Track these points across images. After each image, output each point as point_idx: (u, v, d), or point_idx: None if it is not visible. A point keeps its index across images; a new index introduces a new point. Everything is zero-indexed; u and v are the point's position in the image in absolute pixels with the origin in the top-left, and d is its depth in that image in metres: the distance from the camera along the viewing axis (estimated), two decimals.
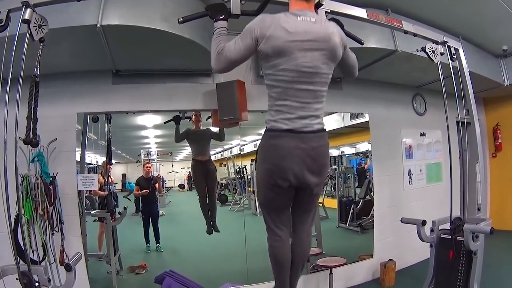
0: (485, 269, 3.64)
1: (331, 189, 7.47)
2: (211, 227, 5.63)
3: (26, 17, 2.26)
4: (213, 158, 6.15)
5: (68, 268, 2.61)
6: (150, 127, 6.48)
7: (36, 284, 2.48)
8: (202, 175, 5.81)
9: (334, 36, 2.32)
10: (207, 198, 5.80)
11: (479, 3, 4.81)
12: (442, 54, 3.66)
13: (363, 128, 6.19)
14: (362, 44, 3.17)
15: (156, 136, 6.92)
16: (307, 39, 2.22)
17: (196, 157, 5.89)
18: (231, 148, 6.97)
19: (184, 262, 5.73)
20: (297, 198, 2.48)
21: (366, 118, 6.13)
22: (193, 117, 5.86)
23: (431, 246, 3.83)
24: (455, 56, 3.77)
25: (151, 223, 6.01)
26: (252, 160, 6.83)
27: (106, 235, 5.07)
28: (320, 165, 2.37)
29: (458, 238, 3.55)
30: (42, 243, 3.78)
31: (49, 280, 2.64)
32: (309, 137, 2.29)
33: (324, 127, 2.42)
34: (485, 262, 3.58)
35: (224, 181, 7.80)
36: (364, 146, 6.94)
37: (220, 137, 5.82)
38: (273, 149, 2.30)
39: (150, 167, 6.32)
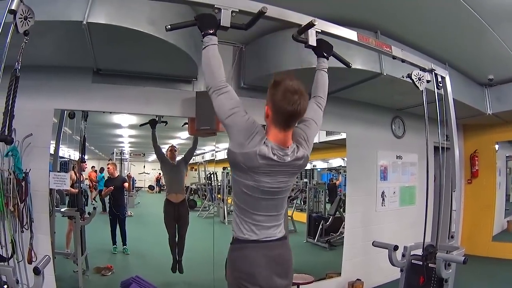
0: None
1: (301, 202, 7.64)
2: (176, 265, 5.67)
3: (13, 7, 2.17)
4: None
5: (37, 271, 2.59)
6: (125, 126, 6.56)
7: (5, 286, 2.49)
8: (174, 219, 5.86)
9: (304, 160, 2.42)
10: (176, 238, 5.83)
11: (468, 31, 4.92)
12: (428, 81, 3.70)
13: (337, 145, 6.37)
14: (350, 67, 3.25)
15: (130, 136, 7.03)
16: (275, 170, 2.29)
17: (169, 194, 5.96)
18: (204, 153, 7.12)
19: (150, 267, 5.88)
20: None
21: (342, 135, 6.30)
22: (168, 152, 6.05)
23: (401, 270, 3.87)
24: (441, 84, 3.84)
25: (118, 224, 6.11)
26: (224, 168, 6.99)
27: (74, 234, 5.09)
28: (286, 269, 2.48)
29: (430, 264, 3.57)
30: (11, 240, 3.84)
31: (17, 282, 2.60)
32: (273, 245, 2.41)
33: (285, 234, 2.54)
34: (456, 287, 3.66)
35: (194, 186, 7.91)
36: (336, 162, 7.12)
37: (193, 148, 6.01)
38: (242, 259, 2.39)
39: (110, 167, 6.37)
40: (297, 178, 7.88)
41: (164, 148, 6.10)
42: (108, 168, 6.38)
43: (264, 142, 2.24)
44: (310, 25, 2.73)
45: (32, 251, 4.05)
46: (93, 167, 5.96)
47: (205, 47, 2.37)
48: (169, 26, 2.47)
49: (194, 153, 6.33)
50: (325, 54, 2.93)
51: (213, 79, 2.31)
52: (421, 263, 3.67)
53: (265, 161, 2.22)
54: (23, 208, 3.98)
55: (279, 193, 2.41)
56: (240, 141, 2.23)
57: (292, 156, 2.32)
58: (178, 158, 6.09)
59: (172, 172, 6.07)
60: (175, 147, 6.10)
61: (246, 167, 2.24)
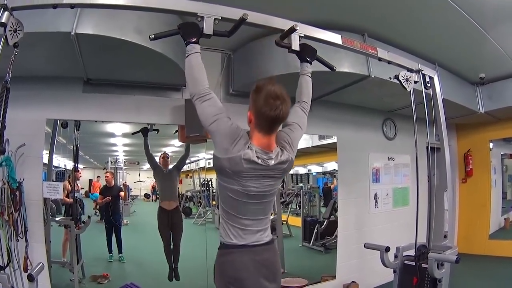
0: None
1: (296, 207, 7.69)
2: (172, 273, 5.70)
3: (3, 20, 2.21)
4: None
5: (31, 278, 2.62)
6: (119, 135, 6.60)
7: None
8: (168, 226, 5.87)
9: (288, 164, 2.47)
10: (171, 245, 5.85)
11: (456, 31, 4.93)
12: (416, 82, 3.69)
13: (331, 149, 6.39)
14: (334, 70, 3.28)
15: (124, 145, 7.06)
16: (260, 174, 2.34)
17: (162, 202, 5.99)
18: (198, 160, 7.16)
19: (146, 274, 5.89)
20: None
21: (334, 139, 6.34)
22: (161, 159, 6.09)
23: (394, 271, 3.86)
24: (429, 85, 3.82)
25: (114, 233, 6.15)
26: None
27: (69, 243, 5.13)
28: (274, 273, 2.52)
29: (423, 265, 3.56)
30: (7, 248, 3.87)
31: None
32: (261, 250, 2.46)
33: (272, 238, 2.58)
34: (452, 286, 3.66)
35: (189, 194, 7.95)
36: (331, 166, 7.14)
37: (185, 155, 6.06)
38: (229, 264, 2.43)
39: (108, 176, 6.41)
40: (292, 182, 8.03)
41: (157, 156, 6.13)
42: (107, 176, 6.41)
43: (248, 147, 2.28)
44: (292, 30, 2.76)
45: (28, 260, 4.06)
46: (98, 177, 5.98)
47: (188, 56, 2.43)
48: (153, 36, 2.53)
49: (188, 160, 6.39)
50: (308, 59, 2.96)
51: (196, 86, 2.37)
52: (413, 263, 3.67)
53: (250, 165, 2.27)
54: (17, 217, 4.00)
55: (265, 197, 2.45)
56: (224, 147, 2.27)
57: (276, 160, 2.36)
58: (171, 165, 6.13)
59: (164, 179, 6.11)
60: (168, 154, 6.14)
61: (231, 172, 2.28)
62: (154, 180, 6.85)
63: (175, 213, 5.97)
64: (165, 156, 6.12)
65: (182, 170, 6.40)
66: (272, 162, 2.35)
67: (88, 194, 6.80)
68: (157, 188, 6.51)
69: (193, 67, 2.41)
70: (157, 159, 6.10)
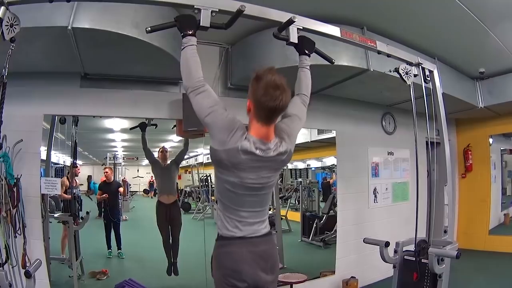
0: None
1: (295, 202, 7.69)
2: (171, 267, 5.70)
3: None
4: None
5: (28, 274, 2.60)
6: (117, 130, 6.60)
7: None
8: (166, 220, 5.89)
9: (287, 155, 2.44)
10: (170, 239, 5.87)
11: (457, 25, 4.90)
12: (415, 75, 3.65)
13: (330, 143, 6.37)
14: (332, 63, 3.24)
15: (123, 140, 7.06)
16: (258, 165, 2.31)
17: (161, 196, 6.01)
18: (197, 155, 7.15)
19: (145, 270, 5.89)
20: None
21: (333, 134, 6.31)
22: (159, 154, 6.10)
23: (394, 267, 3.83)
24: (429, 78, 3.79)
25: (113, 229, 6.16)
26: None
27: (68, 239, 5.12)
28: (271, 265, 2.49)
29: (423, 260, 3.53)
30: (5, 245, 3.85)
31: (10, 286, 2.63)
32: (259, 242, 2.44)
33: (270, 230, 2.58)
34: (452, 282, 3.61)
35: (188, 189, 7.95)
36: (330, 161, 7.16)
37: (184, 150, 6.05)
38: (227, 255, 2.41)
39: (107, 172, 6.44)
40: (291, 177, 8.02)
41: (155, 151, 6.13)
42: (106, 172, 6.44)
43: (246, 137, 2.24)
44: (290, 21, 2.74)
45: (26, 256, 4.04)
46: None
47: (183, 48, 2.41)
48: (149, 28, 2.50)
49: (187, 156, 6.40)
50: (307, 52, 2.93)
51: (191, 79, 2.34)
52: (413, 259, 3.64)
53: (248, 156, 2.24)
54: (15, 214, 3.98)
55: (262, 189, 2.42)
56: (221, 139, 2.23)
57: (275, 151, 2.33)
58: (170, 160, 6.12)
59: (163, 173, 6.10)
60: (166, 148, 6.14)
61: (229, 164, 2.25)
62: (152, 175, 6.85)
63: (174, 207, 5.97)
64: (163, 151, 6.12)
65: (181, 166, 6.40)
66: (271, 153, 2.32)
67: (90, 184, 6.87)
68: (155, 183, 6.47)
69: (188, 59, 2.38)
70: (155, 154, 6.10)
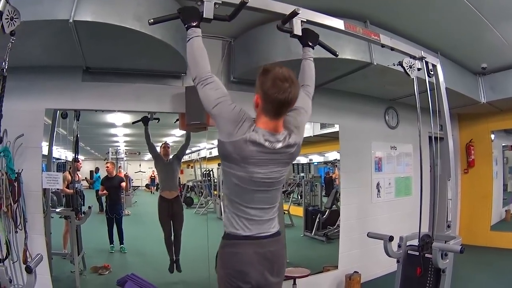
0: (454, 284, 3.63)
1: (297, 196, 7.66)
2: (173, 265, 5.66)
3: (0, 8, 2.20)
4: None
5: (29, 270, 2.60)
6: (120, 125, 6.58)
7: None
8: (168, 215, 5.87)
9: (296, 148, 2.40)
10: (172, 236, 5.83)
11: (459, 20, 4.86)
12: (419, 69, 3.64)
13: (333, 138, 6.34)
14: (336, 56, 3.24)
15: (125, 135, 7.05)
16: (267, 158, 2.27)
17: (163, 191, 5.99)
18: (199, 150, 7.13)
19: (147, 265, 5.88)
20: None
21: (336, 128, 6.28)
22: (161, 149, 6.07)
23: (398, 261, 3.82)
24: (432, 72, 3.78)
25: (115, 224, 6.14)
26: (219, 164, 7.00)
27: (70, 234, 5.11)
28: (278, 267, 2.45)
29: (427, 255, 3.52)
30: (6, 240, 3.80)
31: (10, 281, 2.64)
32: (266, 242, 2.38)
33: (279, 230, 2.51)
34: (454, 278, 3.59)
35: (190, 184, 7.94)
36: (332, 155, 7.13)
37: (185, 144, 6.01)
38: (232, 255, 2.36)
39: (109, 167, 6.41)
40: (293, 172, 7.99)
41: (158, 146, 6.10)
42: (107, 167, 6.41)
43: (254, 129, 2.21)
44: (294, 14, 2.72)
45: (27, 252, 4.01)
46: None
47: (189, 40, 2.38)
48: (152, 20, 2.48)
49: (189, 150, 6.36)
50: (311, 44, 2.91)
51: (198, 70, 2.31)
52: (417, 253, 3.62)
53: (256, 148, 2.20)
54: (16, 209, 3.95)
55: (272, 184, 2.38)
56: (228, 130, 2.20)
57: (284, 142, 2.30)
58: (172, 155, 6.10)
59: (165, 169, 6.08)
60: (168, 144, 6.13)
61: (237, 157, 2.22)
62: (154, 170, 6.82)
63: (176, 202, 5.95)
64: (166, 146, 6.10)
65: (183, 161, 6.42)
66: (279, 145, 2.28)
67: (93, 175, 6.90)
68: (157, 178, 6.45)
69: (194, 50, 2.35)
70: (158, 149, 6.07)
